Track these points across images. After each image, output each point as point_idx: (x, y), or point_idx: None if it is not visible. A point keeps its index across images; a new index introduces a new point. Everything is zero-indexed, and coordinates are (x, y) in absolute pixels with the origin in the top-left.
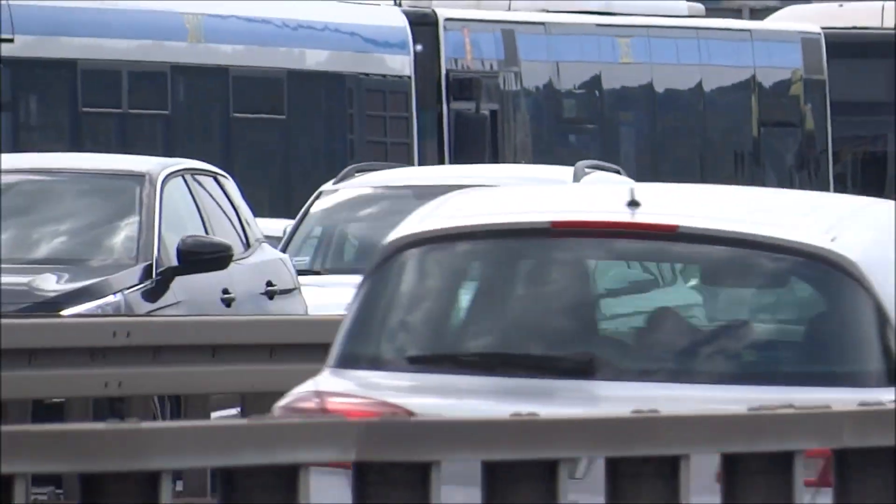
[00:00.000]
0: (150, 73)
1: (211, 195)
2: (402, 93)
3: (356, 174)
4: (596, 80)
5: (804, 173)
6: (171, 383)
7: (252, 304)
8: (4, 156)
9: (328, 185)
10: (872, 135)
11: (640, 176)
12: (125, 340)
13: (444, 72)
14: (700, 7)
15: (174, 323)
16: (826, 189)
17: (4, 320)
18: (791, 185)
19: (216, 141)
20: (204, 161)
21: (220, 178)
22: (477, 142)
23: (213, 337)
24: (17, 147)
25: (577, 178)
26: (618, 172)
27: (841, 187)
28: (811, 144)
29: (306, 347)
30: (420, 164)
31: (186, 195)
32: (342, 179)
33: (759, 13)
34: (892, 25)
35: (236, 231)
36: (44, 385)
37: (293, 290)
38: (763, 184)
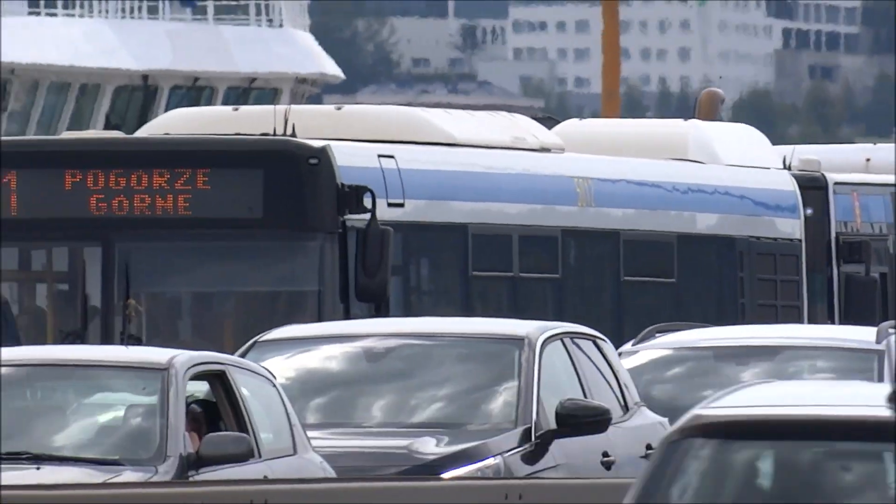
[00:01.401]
0: (541, 238)
1: (590, 358)
2: (792, 256)
3: (657, 335)
4: None
5: None
6: None
7: (632, 468)
8: (384, 320)
9: (627, 346)
10: None
11: None
12: (517, 502)
13: (833, 235)
14: None
15: (566, 486)
16: None
17: (389, 483)
18: None
19: (606, 304)
20: (594, 325)
21: (598, 341)
22: (866, 305)
23: (603, 496)
24: (407, 311)
25: (879, 340)
26: None
27: None
28: None
29: None
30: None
31: (565, 358)
32: (642, 340)
33: None
34: None
35: (615, 394)
36: None
37: None
38: None
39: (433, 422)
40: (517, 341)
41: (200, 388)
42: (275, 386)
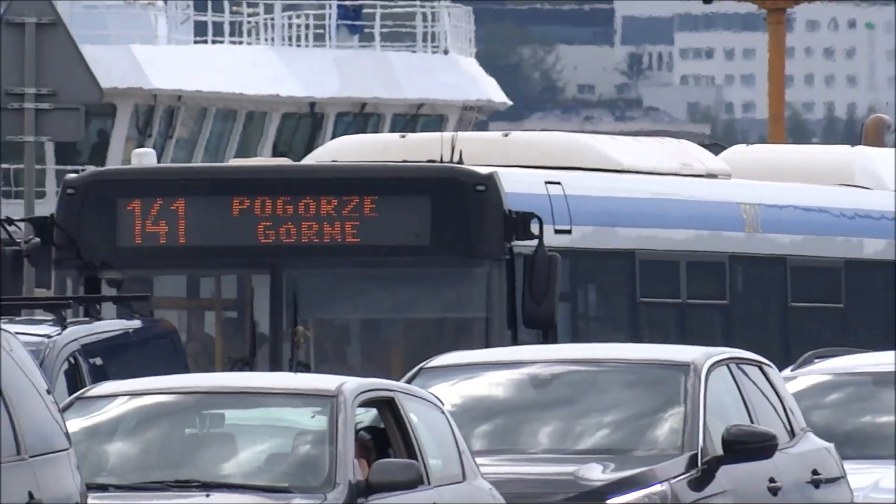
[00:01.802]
0: (708, 264)
1: (755, 384)
2: None
3: (815, 360)
4: None
5: None
6: None
7: (799, 494)
8: (548, 347)
9: (786, 372)
10: None
11: None
12: None
13: None
14: None
15: None
16: None
17: None
18: None
19: (774, 330)
20: (762, 351)
21: (764, 367)
22: None
23: None
24: (575, 337)
25: None
26: None
27: None
28: None
29: None
30: None
31: (731, 384)
32: (800, 366)
33: None
34: None
35: (781, 420)
36: None
37: (839, 478)
38: None
39: (599, 448)
40: (683, 367)
41: (368, 415)
42: (443, 412)
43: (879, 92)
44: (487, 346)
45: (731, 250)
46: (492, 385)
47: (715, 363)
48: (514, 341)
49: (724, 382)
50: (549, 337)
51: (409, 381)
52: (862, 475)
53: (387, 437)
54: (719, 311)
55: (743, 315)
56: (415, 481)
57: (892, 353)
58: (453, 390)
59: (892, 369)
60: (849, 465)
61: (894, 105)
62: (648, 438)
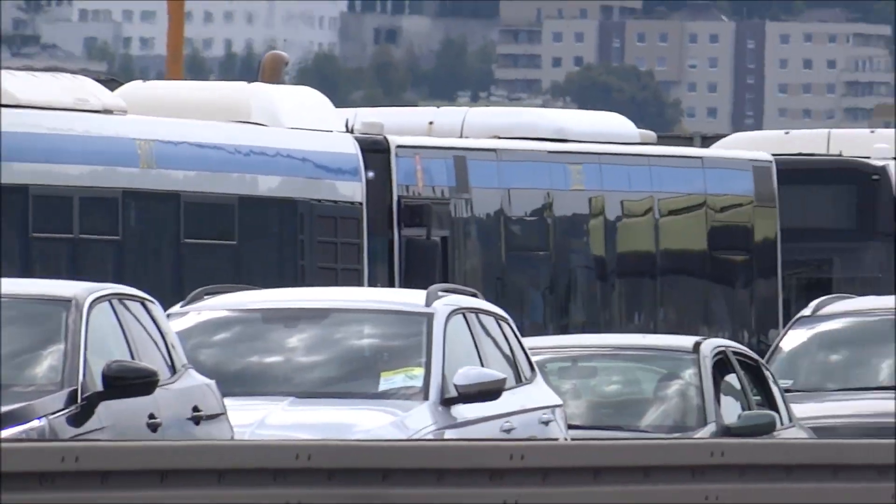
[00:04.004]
0: (102, 199)
1: (138, 320)
2: (353, 219)
3: (205, 297)
4: (547, 207)
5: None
6: None
7: (178, 430)
8: None
9: (176, 308)
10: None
11: (589, 299)
12: (74, 465)
13: (395, 198)
14: (652, 134)
15: (122, 448)
16: (774, 312)
17: None
18: (740, 307)
19: (167, 266)
20: (155, 287)
21: (147, 303)
22: (427, 268)
23: (165, 461)
24: None
25: (428, 303)
26: (474, 296)
27: (787, 312)
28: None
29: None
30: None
31: (113, 320)
32: (190, 302)
33: (710, 140)
34: (837, 152)
35: (162, 356)
36: None
37: (220, 415)
38: (712, 304)
39: None
40: (64, 302)
41: None
42: None
43: (277, 29)
44: None
45: (125, 186)
46: None
47: (97, 298)
48: None
49: (106, 318)
50: None
51: None
52: (249, 412)
53: None
54: (112, 247)
55: (136, 251)
56: None
57: (285, 290)
58: None
59: (281, 306)
60: (238, 402)
61: (292, 42)
62: (28, 374)
